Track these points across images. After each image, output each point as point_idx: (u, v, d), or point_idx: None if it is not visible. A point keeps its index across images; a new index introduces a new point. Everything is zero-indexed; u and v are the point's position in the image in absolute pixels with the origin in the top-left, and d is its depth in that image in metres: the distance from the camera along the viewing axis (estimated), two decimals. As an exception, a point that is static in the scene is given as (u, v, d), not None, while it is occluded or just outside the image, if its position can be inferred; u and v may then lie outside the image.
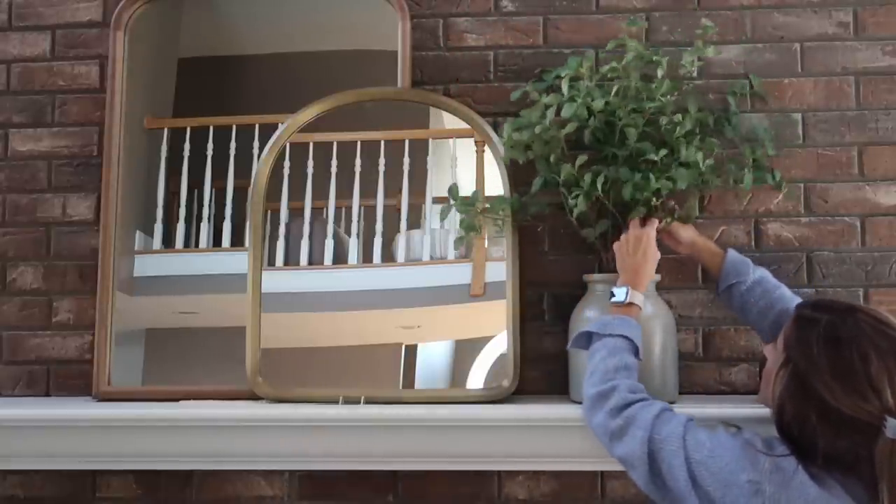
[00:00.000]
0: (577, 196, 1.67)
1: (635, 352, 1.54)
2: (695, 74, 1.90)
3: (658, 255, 1.65)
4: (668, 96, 1.73)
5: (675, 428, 1.39)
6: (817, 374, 1.31)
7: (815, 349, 1.33)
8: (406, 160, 1.92)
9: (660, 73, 1.72)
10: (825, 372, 1.30)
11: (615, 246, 1.67)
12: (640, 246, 1.63)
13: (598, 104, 1.68)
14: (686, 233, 1.75)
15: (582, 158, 1.68)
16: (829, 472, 1.29)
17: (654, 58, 1.73)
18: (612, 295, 1.61)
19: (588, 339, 1.58)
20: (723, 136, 1.83)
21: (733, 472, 1.32)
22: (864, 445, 1.27)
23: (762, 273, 1.69)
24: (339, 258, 1.92)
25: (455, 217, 1.83)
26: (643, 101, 1.70)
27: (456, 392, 1.82)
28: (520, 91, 1.82)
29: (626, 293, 1.59)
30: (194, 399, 1.82)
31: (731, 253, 1.72)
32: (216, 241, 1.97)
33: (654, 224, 1.66)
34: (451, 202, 1.76)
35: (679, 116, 1.71)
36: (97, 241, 1.95)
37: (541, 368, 1.86)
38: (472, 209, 1.75)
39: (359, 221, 1.93)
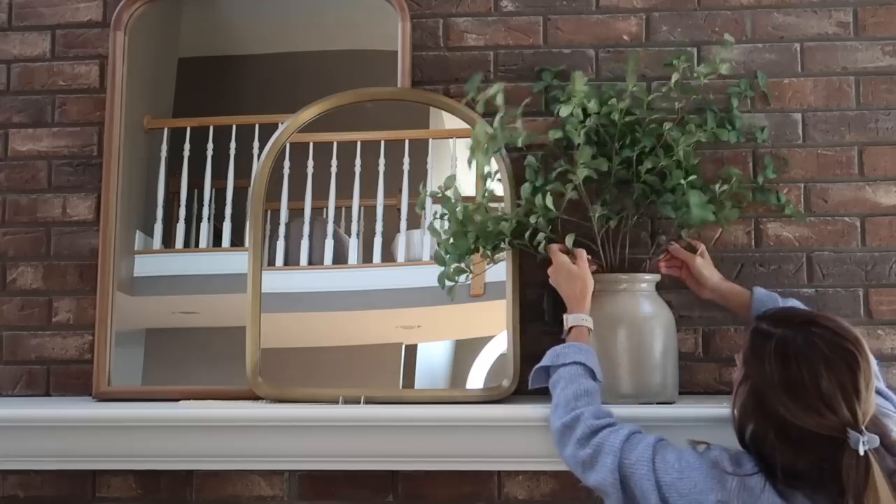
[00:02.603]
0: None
1: (592, 375, 1.53)
2: (695, 74, 1.91)
3: (586, 267, 1.64)
4: (677, 103, 1.74)
5: (644, 451, 1.38)
6: (772, 391, 1.29)
7: (767, 366, 1.31)
8: (406, 160, 1.92)
9: (675, 77, 1.72)
10: (779, 389, 1.28)
11: (550, 281, 1.69)
12: (563, 273, 1.65)
13: (593, 106, 1.69)
14: (709, 277, 1.74)
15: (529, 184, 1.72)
16: (795, 488, 1.28)
17: (675, 61, 1.74)
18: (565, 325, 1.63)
19: (546, 374, 1.58)
20: (724, 141, 1.84)
21: (702, 492, 1.32)
22: (829, 460, 1.25)
23: (792, 304, 1.67)
24: (339, 258, 1.92)
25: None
26: (644, 108, 1.71)
27: (456, 392, 1.82)
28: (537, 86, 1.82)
29: (565, 321, 1.61)
30: (194, 399, 1.82)
31: (758, 291, 1.69)
32: (216, 241, 1.97)
33: (555, 249, 1.67)
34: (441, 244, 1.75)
35: (692, 126, 1.71)
36: (97, 241, 1.94)
37: (541, 368, 1.85)
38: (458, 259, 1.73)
39: (359, 221, 1.93)
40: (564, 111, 1.71)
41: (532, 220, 1.68)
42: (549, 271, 1.68)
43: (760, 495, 1.28)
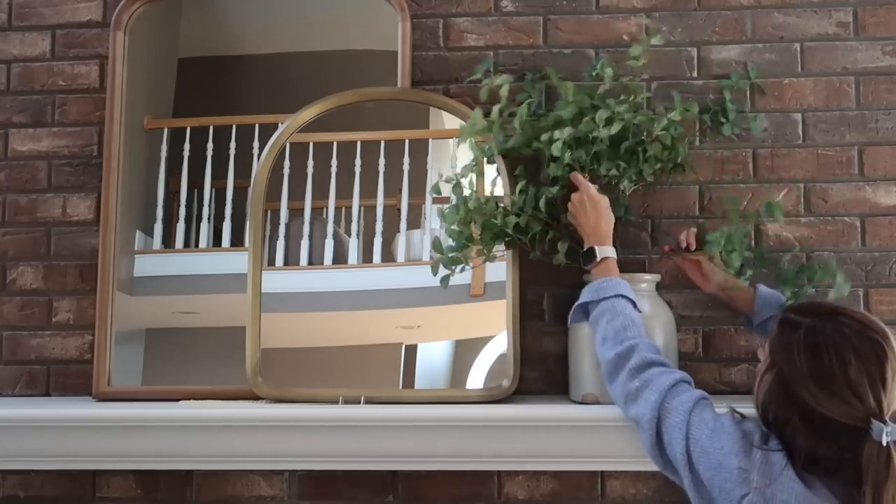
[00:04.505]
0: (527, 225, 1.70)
1: (634, 306, 1.56)
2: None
3: (607, 201, 1.64)
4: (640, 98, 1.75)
5: (685, 402, 1.41)
6: (799, 379, 1.31)
7: (795, 354, 1.33)
8: (406, 160, 1.92)
9: (607, 76, 1.73)
10: (806, 377, 1.30)
11: (569, 212, 1.67)
12: (590, 203, 1.63)
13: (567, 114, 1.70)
14: (716, 276, 1.73)
15: (521, 183, 1.71)
16: (813, 472, 1.30)
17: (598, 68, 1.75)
18: (586, 260, 1.63)
19: (585, 310, 1.60)
20: (721, 135, 1.84)
21: (726, 455, 1.34)
22: (850, 449, 1.27)
23: None
24: (339, 258, 1.92)
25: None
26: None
27: (456, 392, 1.82)
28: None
29: (595, 253, 1.61)
30: (194, 399, 1.82)
31: (762, 289, 1.70)
32: (216, 241, 1.97)
33: (580, 176, 1.66)
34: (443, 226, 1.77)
35: (661, 109, 1.72)
36: (97, 241, 1.94)
37: (540, 368, 1.86)
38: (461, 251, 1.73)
39: (359, 221, 1.93)
40: (500, 148, 1.73)
41: (523, 221, 1.69)
42: (574, 198, 1.65)
43: (782, 472, 1.29)
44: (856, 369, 1.28)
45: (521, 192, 1.71)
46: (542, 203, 1.67)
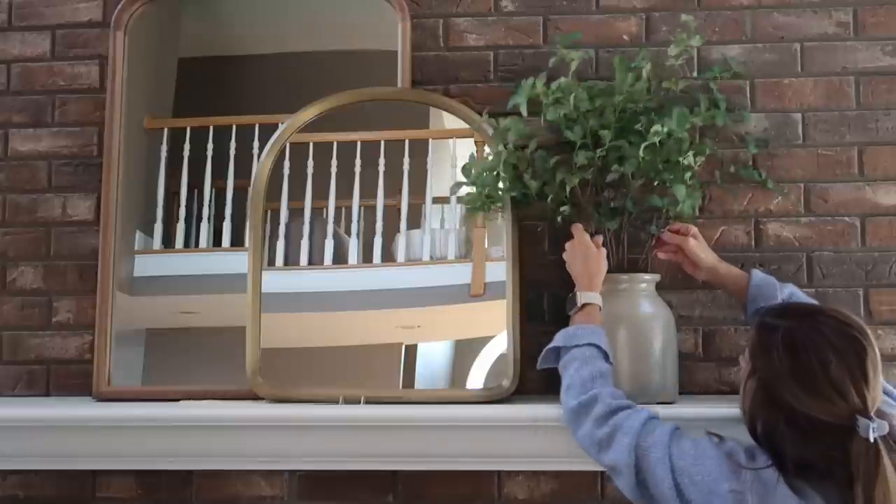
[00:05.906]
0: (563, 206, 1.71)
1: (605, 357, 1.54)
2: (695, 73, 1.91)
3: (604, 252, 1.66)
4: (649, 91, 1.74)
5: (661, 436, 1.39)
6: (781, 382, 1.30)
7: (775, 357, 1.32)
8: (406, 160, 1.92)
9: (644, 74, 1.72)
10: (788, 379, 1.30)
11: (564, 256, 1.69)
12: (582, 249, 1.65)
13: (585, 104, 1.69)
14: (706, 258, 1.72)
15: (553, 160, 1.71)
16: (805, 480, 1.29)
17: (640, 59, 1.74)
18: (569, 303, 1.64)
19: (556, 354, 1.58)
20: (714, 128, 1.83)
21: (716, 480, 1.32)
22: (838, 448, 1.26)
23: (791, 290, 1.67)
24: (339, 258, 1.92)
25: (455, 216, 1.84)
26: (613, 97, 1.70)
27: (456, 392, 1.82)
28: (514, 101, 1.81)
29: (578, 298, 1.61)
30: (194, 399, 1.82)
31: (756, 275, 1.69)
32: (216, 241, 1.97)
33: (579, 226, 1.69)
34: (465, 179, 1.78)
35: (685, 111, 1.70)
36: (97, 241, 1.94)
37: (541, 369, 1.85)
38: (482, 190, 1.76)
39: (359, 221, 1.93)
40: (552, 114, 1.70)
41: (547, 190, 1.70)
42: (567, 245, 1.68)
43: (776, 487, 1.29)
44: (836, 367, 1.27)
45: (547, 170, 1.71)
46: (568, 185, 1.67)
